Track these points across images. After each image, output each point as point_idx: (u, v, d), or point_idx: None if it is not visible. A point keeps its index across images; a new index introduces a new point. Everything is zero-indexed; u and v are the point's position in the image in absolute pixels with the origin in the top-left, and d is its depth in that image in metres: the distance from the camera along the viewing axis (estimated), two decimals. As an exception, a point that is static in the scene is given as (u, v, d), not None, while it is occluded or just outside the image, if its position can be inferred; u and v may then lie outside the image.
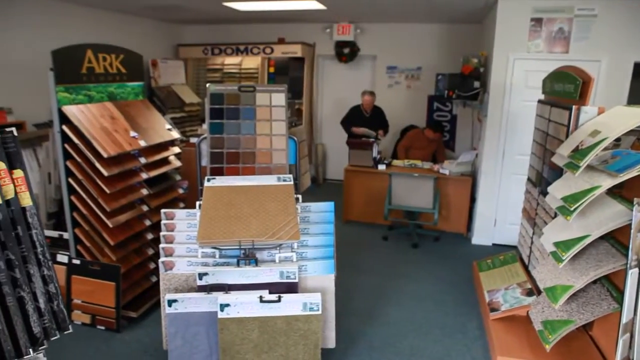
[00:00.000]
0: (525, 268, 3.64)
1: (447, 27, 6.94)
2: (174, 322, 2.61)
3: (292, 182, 2.96)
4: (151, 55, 6.54)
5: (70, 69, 3.34)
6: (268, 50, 7.23)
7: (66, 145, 3.30)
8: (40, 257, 1.50)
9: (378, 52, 7.34)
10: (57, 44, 3.28)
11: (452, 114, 7.14)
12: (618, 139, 2.63)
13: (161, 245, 2.84)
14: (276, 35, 7.40)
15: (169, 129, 3.98)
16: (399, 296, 4.02)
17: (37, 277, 1.47)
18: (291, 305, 2.58)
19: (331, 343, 2.93)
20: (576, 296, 2.54)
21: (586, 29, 4.47)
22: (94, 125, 3.31)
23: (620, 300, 2.20)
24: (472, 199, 5.49)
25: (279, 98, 3.12)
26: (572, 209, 2.36)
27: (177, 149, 4.04)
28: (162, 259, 2.79)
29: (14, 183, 1.42)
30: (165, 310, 2.62)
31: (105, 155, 3.17)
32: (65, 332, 1.57)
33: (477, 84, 5.30)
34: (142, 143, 3.56)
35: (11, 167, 1.43)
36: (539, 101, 3.68)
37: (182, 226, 2.95)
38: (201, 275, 2.64)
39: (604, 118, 2.68)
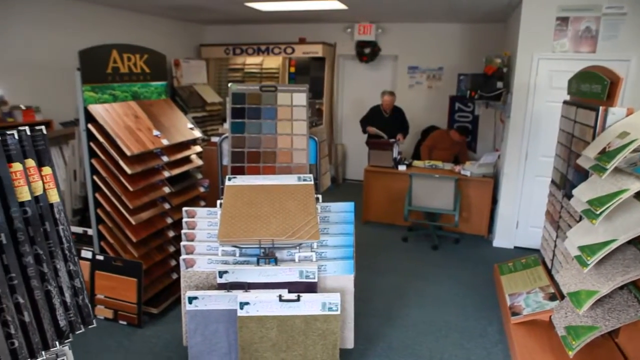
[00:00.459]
0: (548, 272, 3.58)
1: (470, 26, 6.86)
2: (194, 319, 2.64)
3: (312, 182, 2.97)
4: (174, 55, 6.63)
5: (96, 68, 3.41)
6: (289, 50, 7.26)
7: (91, 144, 3.36)
8: (67, 252, 1.53)
9: (399, 52, 7.30)
10: (84, 45, 3.35)
11: (474, 114, 7.05)
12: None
13: (182, 243, 2.88)
14: (297, 35, 7.42)
15: (190, 128, 4.02)
16: (418, 298, 3.99)
17: (63, 272, 1.50)
18: (310, 305, 2.58)
19: (350, 343, 2.93)
20: (601, 302, 2.48)
21: (615, 28, 4.36)
22: (118, 124, 3.37)
23: (648, 307, 2.14)
24: (494, 201, 5.41)
25: (300, 98, 3.13)
26: (598, 212, 2.31)
27: (198, 148, 4.09)
28: (183, 256, 2.82)
29: (42, 180, 1.46)
30: (186, 307, 2.65)
31: (128, 153, 3.23)
32: (90, 327, 1.60)
33: (500, 84, 5.22)
34: (165, 142, 3.61)
35: (40, 164, 1.46)
36: (564, 102, 3.60)
37: (203, 224, 2.98)
38: (221, 273, 2.66)
39: (633, 119, 2.61)
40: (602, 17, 4.36)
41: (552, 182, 3.73)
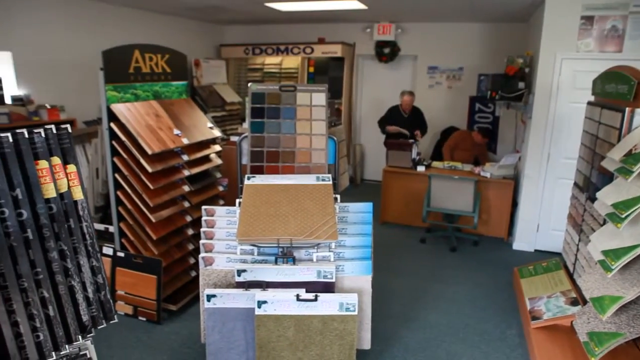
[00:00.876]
0: (570, 276, 3.51)
1: (491, 26, 6.78)
2: (212, 316, 2.66)
3: (331, 182, 2.96)
4: (194, 55, 6.70)
5: (119, 68, 3.46)
6: (308, 50, 7.27)
7: (114, 142, 3.42)
8: (90, 248, 1.56)
9: (419, 52, 7.25)
10: (107, 45, 3.40)
11: (495, 115, 6.96)
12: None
13: (201, 241, 2.90)
14: (316, 35, 7.43)
15: (210, 127, 4.06)
16: (436, 300, 3.96)
17: (86, 268, 1.53)
18: (328, 305, 2.58)
19: (367, 344, 2.92)
20: (626, 308, 2.42)
21: (642, 27, 4.25)
22: (140, 123, 3.42)
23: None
24: (514, 203, 5.34)
25: (320, 98, 3.13)
26: (623, 216, 2.25)
27: (218, 147, 4.12)
28: (202, 254, 2.85)
29: (67, 177, 1.48)
30: (204, 304, 2.67)
31: (150, 152, 3.27)
32: (111, 322, 1.62)
33: (521, 84, 5.15)
34: (185, 141, 3.65)
35: (65, 162, 1.49)
36: (589, 103, 3.53)
37: (221, 223, 3.00)
38: (240, 272, 2.68)
39: (661, 121, 2.55)
40: (630, 16, 4.26)
41: (575, 184, 3.65)
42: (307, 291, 2.62)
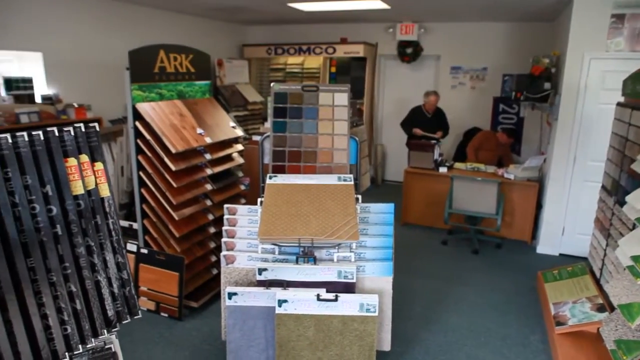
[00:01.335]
0: (597, 282, 3.42)
1: (516, 25, 6.66)
2: (233, 314, 2.68)
3: (352, 182, 2.96)
4: (217, 55, 6.76)
5: (144, 68, 3.52)
6: (330, 50, 7.27)
7: (138, 141, 3.48)
8: (116, 245, 1.58)
9: (442, 52, 7.18)
10: (132, 45, 3.46)
11: (519, 116, 6.84)
12: None
13: (223, 240, 2.93)
14: (338, 35, 7.42)
15: (233, 127, 4.09)
16: (457, 303, 3.91)
17: (112, 264, 1.56)
18: (348, 305, 2.58)
19: (386, 346, 2.90)
20: (655, 315, 2.35)
21: (675, 26, 4.13)
22: (164, 122, 3.47)
23: None
24: (538, 206, 5.24)
25: (342, 98, 3.13)
26: (654, 220, 2.19)
27: (240, 146, 4.15)
28: (223, 252, 2.87)
29: (95, 175, 1.51)
30: (225, 302, 2.70)
31: (173, 150, 3.32)
32: (135, 317, 1.65)
33: (547, 85, 5.05)
34: (208, 140, 3.68)
35: (93, 159, 1.52)
36: (618, 104, 3.44)
37: (243, 222, 3.02)
38: (261, 271, 2.70)
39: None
40: (663, 15, 4.14)
41: (603, 187, 3.56)
42: (327, 291, 2.62)
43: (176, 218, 3.45)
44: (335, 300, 2.57)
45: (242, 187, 4.18)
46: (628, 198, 2.61)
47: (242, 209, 3.08)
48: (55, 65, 4.78)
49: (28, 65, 4.65)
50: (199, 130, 3.67)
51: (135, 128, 3.44)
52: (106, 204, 1.55)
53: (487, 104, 7.02)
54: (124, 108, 5.28)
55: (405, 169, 5.82)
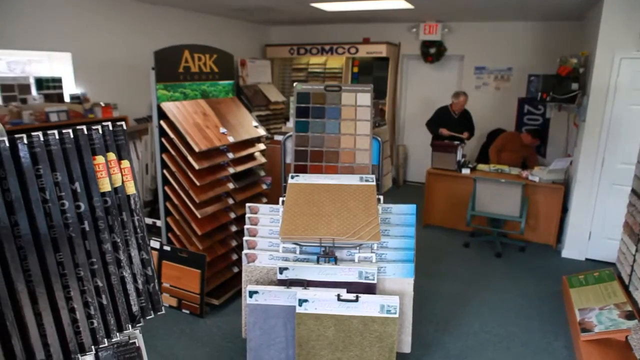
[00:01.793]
0: (625, 288, 3.33)
1: (542, 25, 6.53)
2: (254, 312, 2.70)
3: (374, 183, 2.94)
4: (240, 55, 6.82)
5: (169, 68, 3.57)
6: (353, 50, 7.26)
7: (163, 139, 3.53)
8: (141, 241, 1.61)
9: (466, 52, 7.09)
10: (157, 45, 3.52)
11: (545, 117, 6.71)
12: None
13: (245, 238, 2.95)
14: (361, 35, 7.41)
15: (255, 126, 4.12)
16: (479, 306, 3.86)
17: (137, 260, 1.58)
18: (368, 306, 2.57)
19: (407, 348, 2.88)
20: (687, 323, 2.28)
21: None
22: (188, 121, 3.52)
23: None
24: (564, 209, 5.12)
25: (365, 98, 3.12)
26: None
27: (262, 146, 4.18)
28: (245, 251, 2.89)
29: (121, 172, 1.54)
30: (246, 300, 2.72)
31: (197, 149, 3.36)
32: (159, 313, 1.67)
33: (575, 85, 4.93)
34: (231, 139, 3.72)
35: (120, 157, 1.54)
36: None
37: (265, 221, 3.04)
38: (282, 270, 2.71)
39: None
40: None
41: (633, 191, 3.47)
42: (348, 291, 2.62)
43: (199, 216, 3.49)
44: (356, 300, 2.57)
45: (264, 186, 4.21)
46: (659, 202, 2.53)
47: (263, 207, 3.10)
48: (83, 65, 4.89)
49: (58, 65, 4.78)
50: (222, 130, 3.71)
51: (160, 127, 3.49)
52: (132, 202, 1.58)
53: (511, 105, 6.91)
54: (148, 107, 5.39)
55: (428, 170, 5.77)
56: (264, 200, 4.23)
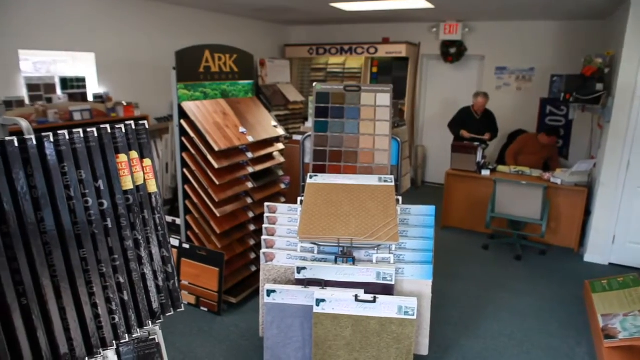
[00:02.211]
0: (650, 293, 3.26)
1: (566, 24, 6.41)
2: (271, 311, 2.71)
3: (393, 183, 2.93)
4: (260, 55, 6.86)
5: (190, 68, 3.61)
6: (372, 50, 7.23)
7: (183, 138, 3.57)
8: (161, 239, 1.63)
9: (487, 52, 7.00)
10: (177, 45, 3.56)
11: (568, 118, 6.58)
12: None
13: (263, 237, 2.97)
14: (380, 35, 7.38)
15: (274, 126, 4.13)
16: (497, 309, 3.81)
17: (157, 257, 1.60)
18: (386, 307, 2.56)
19: (424, 350, 2.86)
20: None
21: None
22: (208, 120, 3.55)
23: None
24: (587, 212, 5.02)
25: (384, 98, 3.10)
26: None
27: (281, 146, 4.19)
28: (263, 250, 2.91)
29: (143, 171, 1.56)
30: (264, 299, 2.73)
31: (216, 148, 3.38)
32: (178, 310, 1.69)
33: (600, 86, 4.83)
34: (250, 138, 3.74)
35: (142, 156, 1.57)
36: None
37: (283, 220, 3.05)
38: (299, 269, 2.71)
39: None
40: None
41: (659, 194, 3.38)
42: (365, 292, 2.61)
43: (218, 215, 3.52)
44: (374, 301, 2.56)
45: (282, 186, 4.23)
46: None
47: (282, 207, 3.11)
48: (106, 65, 4.98)
49: (81, 65, 4.87)
50: (242, 129, 3.73)
51: (180, 126, 3.53)
52: (153, 200, 1.60)
53: (533, 106, 6.80)
54: (169, 106, 5.45)
55: (447, 171, 5.71)
56: (282, 199, 4.25)
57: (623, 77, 4.37)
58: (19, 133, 1.29)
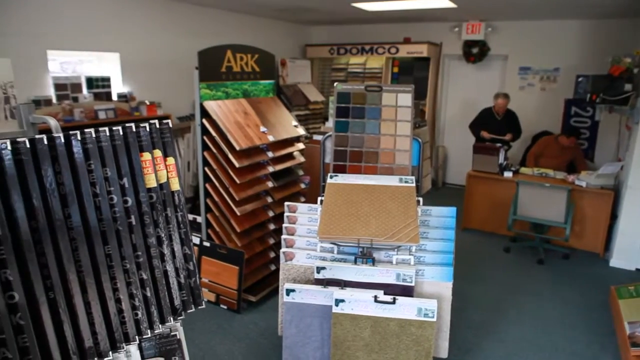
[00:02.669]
0: (679, 300, 3.16)
1: (592, 23, 6.27)
2: (290, 310, 2.72)
3: (414, 184, 2.91)
4: (281, 54, 6.88)
5: (212, 67, 3.64)
6: (393, 50, 7.20)
7: (204, 137, 3.60)
8: (183, 237, 1.65)
9: (510, 51, 6.90)
10: (200, 46, 3.59)
11: (594, 120, 6.44)
12: None
13: (283, 237, 2.97)
14: (402, 34, 7.33)
15: (295, 126, 4.14)
16: (519, 313, 3.75)
17: (179, 255, 1.62)
18: (406, 309, 2.54)
19: (444, 353, 2.83)
20: None
21: None
22: (229, 119, 3.58)
23: None
24: (613, 216, 4.90)
25: (406, 98, 3.08)
26: None
27: (301, 145, 4.20)
28: (283, 249, 2.92)
29: (166, 169, 1.58)
30: (283, 298, 2.74)
31: (237, 148, 3.41)
32: (199, 307, 1.71)
33: (628, 86, 4.71)
34: (271, 138, 3.76)
35: (165, 154, 1.59)
36: None
37: (303, 220, 3.05)
38: (319, 269, 2.71)
39: None
40: None
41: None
42: (385, 293, 2.59)
43: (238, 213, 3.54)
44: (393, 303, 2.54)
45: (302, 186, 4.23)
46: None
47: (302, 207, 3.12)
48: (130, 64, 5.07)
49: (106, 65, 4.96)
50: (262, 129, 3.75)
51: (202, 125, 3.57)
52: (176, 198, 1.62)
53: (557, 107, 6.67)
54: (191, 105, 5.52)
55: (468, 172, 5.65)
56: (302, 199, 4.25)
57: (652, 78, 4.26)
58: (47, 131, 1.32)
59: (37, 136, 1.22)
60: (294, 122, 4.19)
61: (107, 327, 1.36)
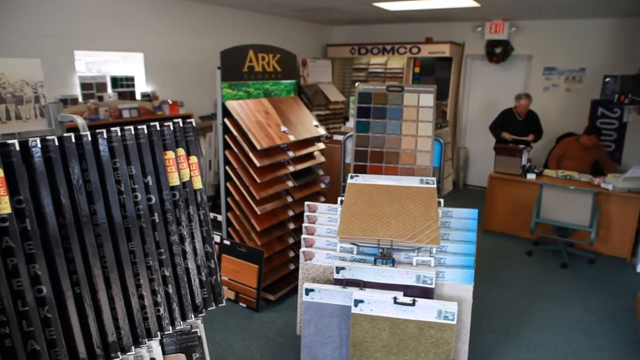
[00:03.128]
0: None
1: (619, 22, 6.11)
2: (309, 310, 2.72)
3: (435, 185, 2.88)
4: (302, 54, 6.89)
5: (234, 67, 3.67)
6: (415, 50, 7.14)
7: (226, 137, 3.64)
8: (205, 235, 1.67)
9: (534, 51, 6.78)
10: (222, 46, 3.62)
11: (621, 121, 6.27)
12: None
13: (303, 236, 2.98)
14: (423, 34, 7.27)
15: (315, 126, 4.15)
16: (541, 318, 3.68)
17: (201, 253, 1.64)
18: (425, 311, 2.52)
19: (463, 356, 2.80)
20: None
21: None
22: (251, 119, 3.60)
23: None
24: (641, 221, 4.78)
25: (427, 99, 3.06)
26: None
27: (322, 145, 4.20)
28: (302, 249, 2.92)
29: (189, 168, 1.60)
30: (302, 298, 2.74)
31: (258, 147, 3.43)
32: (219, 305, 1.73)
33: (658, 88, 4.59)
34: (292, 138, 3.77)
35: (188, 153, 1.61)
36: None
37: (323, 219, 3.06)
38: (338, 269, 2.71)
39: None
40: None
41: None
42: (404, 295, 2.58)
43: (258, 212, 3.56)
44: (413, 304, 2.52)
45: (322, 186, 4.24)
46: None
47: (322, 206, 3.12)
48: (153, 64, 5.15)
49: (130, 65, 5.05)
50: (283, 128, 3.76)
51: (224, 124, 3.60)
52: (198, 196, 1.64)
53: (583, 108, 6.52)
54: (212, 105, 5.58)
55: (490, 174, 5.57)
56: (322, 199, 4.26)
57: (684, 78, 4.13)
58: (73, 129, 1.35)
59: (65, 134, 1.25)
60: (315, 122, 4.19)
61: (130, 323, 1.38)
